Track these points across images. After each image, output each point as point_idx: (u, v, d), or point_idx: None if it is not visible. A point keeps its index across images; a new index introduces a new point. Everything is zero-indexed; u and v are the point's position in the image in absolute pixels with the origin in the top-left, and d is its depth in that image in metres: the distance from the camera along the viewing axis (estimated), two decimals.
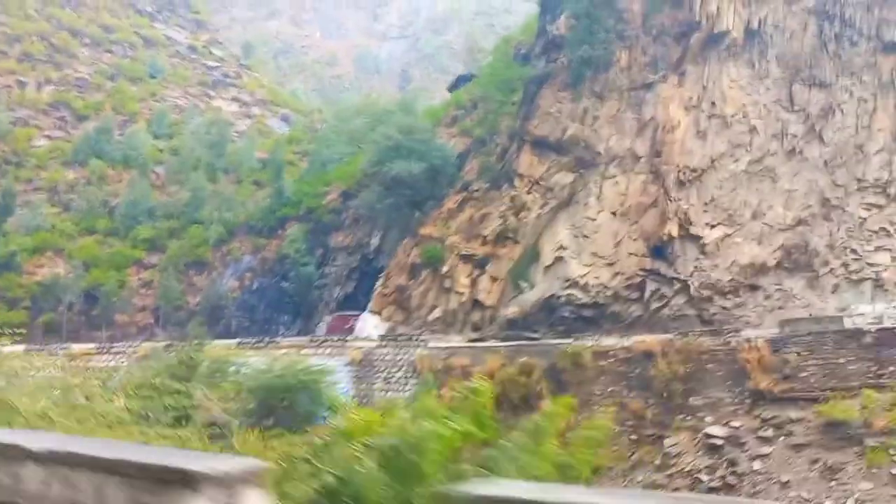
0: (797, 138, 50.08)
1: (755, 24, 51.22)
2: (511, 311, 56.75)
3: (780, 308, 49.70)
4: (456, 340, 54.71)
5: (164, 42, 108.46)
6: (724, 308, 50.61)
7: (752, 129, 50.73)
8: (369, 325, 58.93)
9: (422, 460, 12.83)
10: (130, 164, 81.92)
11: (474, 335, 55.93)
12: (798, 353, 40.14)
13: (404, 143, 61.50)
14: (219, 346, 48.27)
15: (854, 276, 49.10)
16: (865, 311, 47.97)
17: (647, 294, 52.60)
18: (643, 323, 52.43)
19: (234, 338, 58.10)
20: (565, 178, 56.02)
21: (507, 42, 78.00)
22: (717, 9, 51.48)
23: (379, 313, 60.00)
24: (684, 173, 51.59)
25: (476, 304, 57.56)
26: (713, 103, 51.50)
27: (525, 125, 57.72)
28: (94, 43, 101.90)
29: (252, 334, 61.61)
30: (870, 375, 38.70)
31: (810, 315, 48.03)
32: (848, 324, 41.36)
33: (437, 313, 58.21)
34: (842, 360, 39.42)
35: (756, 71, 51.03)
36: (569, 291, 54.59)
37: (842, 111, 49.72)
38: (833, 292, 49.52)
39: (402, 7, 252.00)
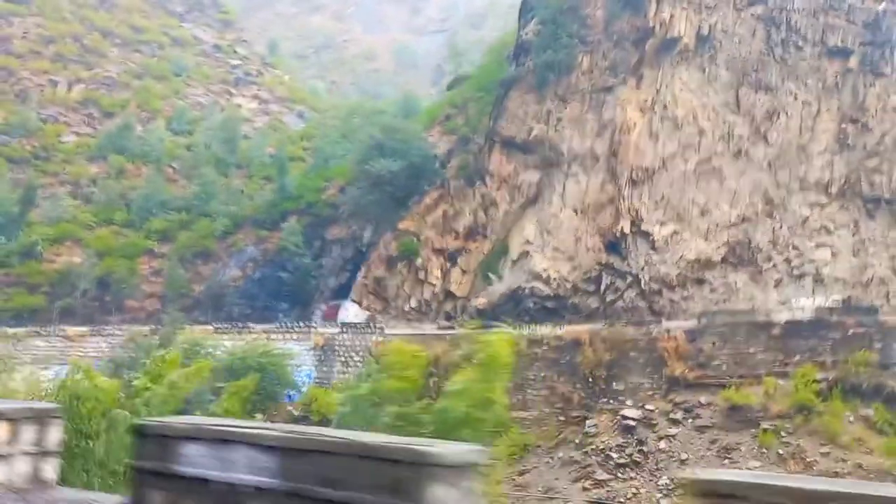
0: (743, 140, 52.50)
1: (706, 31, 53.69)
2: (480, 301, 60.18)
3: (724, 301, 52.29)
4: (429, 328, 58.39)
5: (192, 42, 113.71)
6: (672, 300, 53.35)
7: (701, 131, 53.28)
8: (350, 313, 62.90)
9: (84, 407, 16.84)
10: (149, 160, 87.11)
11: (446, 324, 59.55)
12: (713, 343, 42.96)
13: (386, 142, 65.19)
14: (197, 331, 52.83)
15: (795, 272, 51.38)
16: (805, 305, 50.40)
17: (602, 287, 55.60)
18: (600, 314, 55.39)
19: (237, 323, 62.73)
20: (532, 176, 59.21)
21: (503, 43, 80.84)
22: (671, 16, 54.07)
23: (359, 302, 63.98)
24: (637, 173, 54.38)
25: (448, 294, 61.17)
26: (665, 106, 54.15)
27: (495, 126, 60.98)
28: (125, 43, 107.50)
29: (253, 321, 65.94)
30: (776, 364, 41.37)
31: (752, 307, 50.78)
32: (761, 317, 43.96)
33: (412, 303, 61.96)
34: (751, 350, 42.14)
35: (706, 75, 53.53)
36: (533, 284, 57.82)
37: (786, 114, 51.97)
38: (775, 286, 51.88)
39: (442, 2, 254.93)
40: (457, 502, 4.84)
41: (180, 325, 51.48)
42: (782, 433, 38.08)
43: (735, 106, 52.83)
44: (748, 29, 52.95)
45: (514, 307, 58.16)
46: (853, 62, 51.41)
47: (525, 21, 62.66)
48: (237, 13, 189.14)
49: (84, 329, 54.01)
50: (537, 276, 57.52)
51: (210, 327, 53.59)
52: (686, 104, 53.65)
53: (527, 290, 57.88)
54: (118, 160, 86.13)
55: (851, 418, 38.20)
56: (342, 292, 71.47)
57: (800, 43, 52.28)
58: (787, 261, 51.58)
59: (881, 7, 51.51)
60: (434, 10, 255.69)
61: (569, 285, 56.65)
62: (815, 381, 39.37)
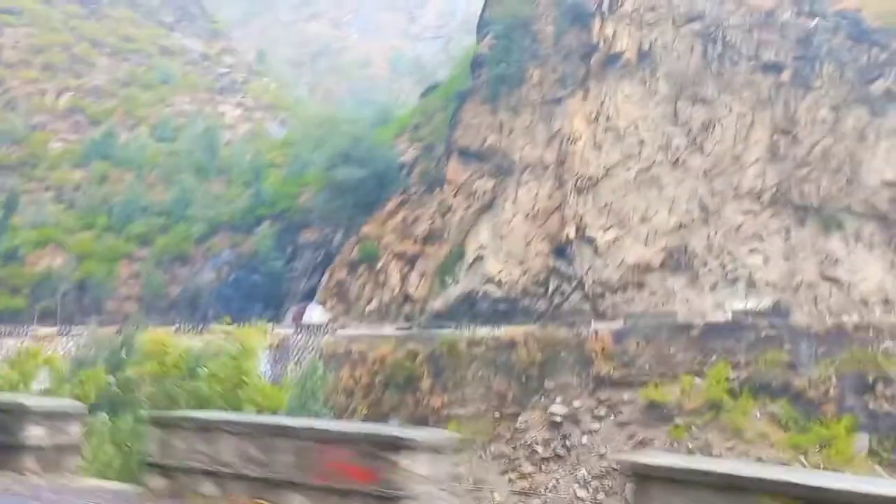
0: (681, 150, 54.97)
1: (647, 46, 56.21)
2: (437, 304, 62.74)
3: (663, 303, 54.71)
4: (387, 330, 60.97)
5: (180, 51, 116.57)
6: (614, 303, 55.75)
7: (642, 141, 55.78)
8: (315, 315, 65.51)
9: None
10: (131, 166, 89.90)
11: (405, 325, 62.11)
12: (637, 344, 45.43)
13: (352, 151, 67.91)
14: (159, 331, 55.42)
15: (730, 276, 53.71)
16: (738, 307, 52.83)
17: (550, 289, 58.09)
18: (548, 316, 57.89)
19: (199, 324, 65.35)
20: (486, 183, 61.75)
21: (472, 55, 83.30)
22: (614, 32, 56.64)
23: (324, 304, 66.62)
24: (582, 181, 56.91)
25: (407, 297, 63.71)
26: (608, 117, 56.67)
27: (453, 135, 63.61)
28: (114, 52, 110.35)
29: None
30: (694, 363, 43.83)
31: (680, 310, 53.22)
32: (681, 319, 46.43)
33: (373, 305, 64.55)
34: (672, 350, 44.61)
35: (647, 88, 56.03)
36: (486, 287, 60.31)
37: (721, 125, 54.43)
38: (711, 290, 54.23)
39: (439, 8, 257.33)
40: (47, 438, 7.42)
41: (143, 325, 54.09)
42: (693, 428, 40.56)
43: (673, 117, 55.33)
44: (686, 45, 55.46)
45: (469, 309, 60.62)
46: (785, 76, 53.83)
47: (482, 35, 65.29)
48: (235, 19, 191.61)
49: (52, 330, 56.77)
50: (490, 280, 60.02)
51: (171, 327, 56.06)
52: (628, 116, 56.15)
53: (480, 293, 60.34)
54: (102, 166, 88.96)
55: (758, 414, 40.65)
56: (312, 294, 74.13)
57: (735, 58, 54.75)
58: (722, 265, 53.93)
59: (813, 24, 53.91)
60: (431, 17, 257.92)
61: (519, 288, 59.11)
62: (727, 379, 41.88)
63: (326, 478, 5.29)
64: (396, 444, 5.15)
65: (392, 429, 5.60)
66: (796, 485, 4.13)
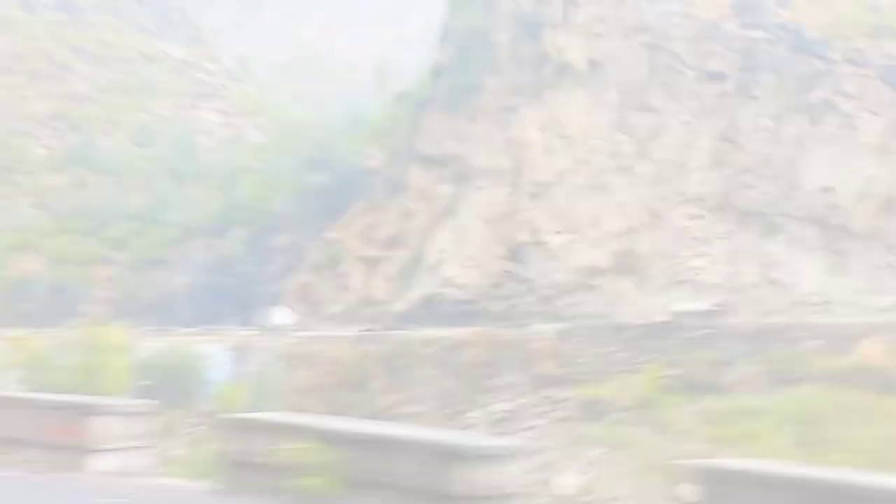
0: (629, 156, 56.99)
1: (597, 57, 58.26)
2: (399, 306, 64.67)
3: (613, 305, 56.71)
4: (349, 331, 62.81)
5: (162, 57, 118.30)
6: (566, 305, 57.77)
7: (592, 149, 57.80)
8: (281, 317, 67.42)
9: None
10: (110, 171, 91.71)
11: (366, 327, 63.96)
12: (579, 343, 47.35)
13: (319, 157, 69.91)
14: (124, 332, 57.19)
15: (676, 278, 55.76)
16: (682, 308, 54.79)
17: (505, 292, 60.06)
18: (504, 317, 59.82)
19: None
20: (446, 189, 63.77)
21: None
22: (565, 43, 58.70)
23: (290, 306, 68.52)
24: (536, 187, 58.96)
25: (370, 300, 65.67)
26: (561, 125, 58.71)
27: (415, 141, 65.65)
28: (95, 59, 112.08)
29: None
30: (631, 362, 45.73)
31: (641, 311, 55.17)
32: (622, 319, 48.38)
33: (337, 307, 66.51)
34: (612, 349, 46.54)
35: (596, 97, 58.07)
36: (446, 289, 62.29)
37: (668, 133, 56.47)
38: (659, 292, 56.21)
39: (427, 15, 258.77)
40: None
41: (110, 326, 55.80)
42: (624, 423, 42.46)
43: (622, 126, 57.33)
44: (634, 55, 57.50)
45: (430, 311, 62.52)
46: (729, 86, 55.87)
47: (443, 44, 67.29)
48: (223, 25, 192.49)
49: (21, 332, 58.51)
50: (450, 283, 62.01)
51: (136, 330, 57.78)
52: (579, 124, 58.21)
53: (441, 296, 62.32)
54: (80, 172, 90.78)
55: (686, 410, 42.51)
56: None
57: (680, 68, 56.78)
58: (669, 268, 55.95)
59: (755, 35, 55.93)
60: (419, 22, 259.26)
61: (477, 291, 61.11)
62: (660, 377, 43.77)
63: (47, 436, 7.21)
64: (91, 410, 7.04)
65: (89, 398, 7.46)
66: (317, 429, 5.93)
